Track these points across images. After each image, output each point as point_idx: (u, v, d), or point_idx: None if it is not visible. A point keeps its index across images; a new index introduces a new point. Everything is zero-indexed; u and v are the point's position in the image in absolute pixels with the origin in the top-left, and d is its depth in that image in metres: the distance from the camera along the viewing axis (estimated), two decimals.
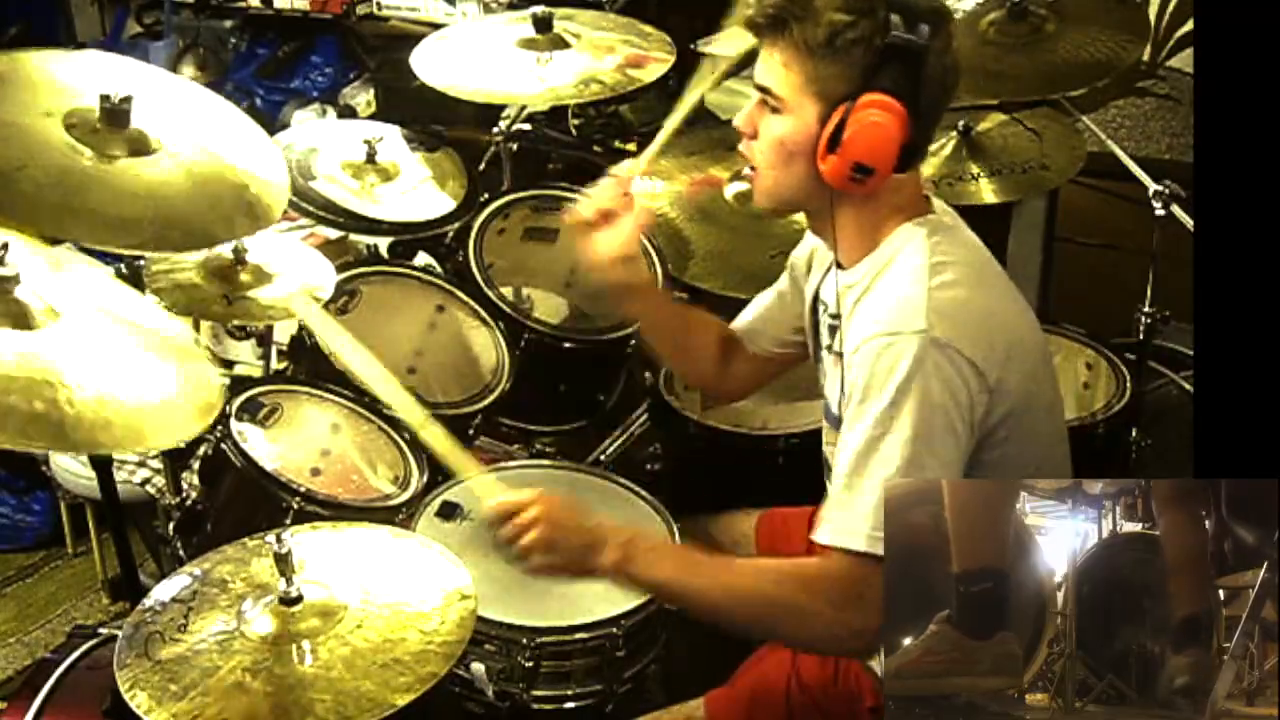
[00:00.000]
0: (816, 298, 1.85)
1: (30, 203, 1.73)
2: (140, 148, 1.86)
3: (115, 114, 1.84)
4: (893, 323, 1.58)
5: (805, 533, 2.06)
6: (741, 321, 2.07)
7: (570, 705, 1.86)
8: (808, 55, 1.60)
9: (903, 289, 1.61)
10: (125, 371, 1.66)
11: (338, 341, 1.83)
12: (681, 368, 2.23)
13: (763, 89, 1.66)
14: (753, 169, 1.72)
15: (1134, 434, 2.57)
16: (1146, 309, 2.54)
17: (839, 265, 1.74)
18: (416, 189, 2.70)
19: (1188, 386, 2.90)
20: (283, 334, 2.48)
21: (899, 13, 1.57)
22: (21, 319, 1.63)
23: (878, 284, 1.66)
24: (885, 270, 1.66)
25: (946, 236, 1.67)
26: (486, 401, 2.35)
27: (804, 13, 1.59)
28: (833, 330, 1.75)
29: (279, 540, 1.56)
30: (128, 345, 1.74)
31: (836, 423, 1.76)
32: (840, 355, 1.71)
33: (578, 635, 1.83)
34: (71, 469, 2.88)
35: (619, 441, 2.53)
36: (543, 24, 2.67)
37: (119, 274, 2.06)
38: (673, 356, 2.16)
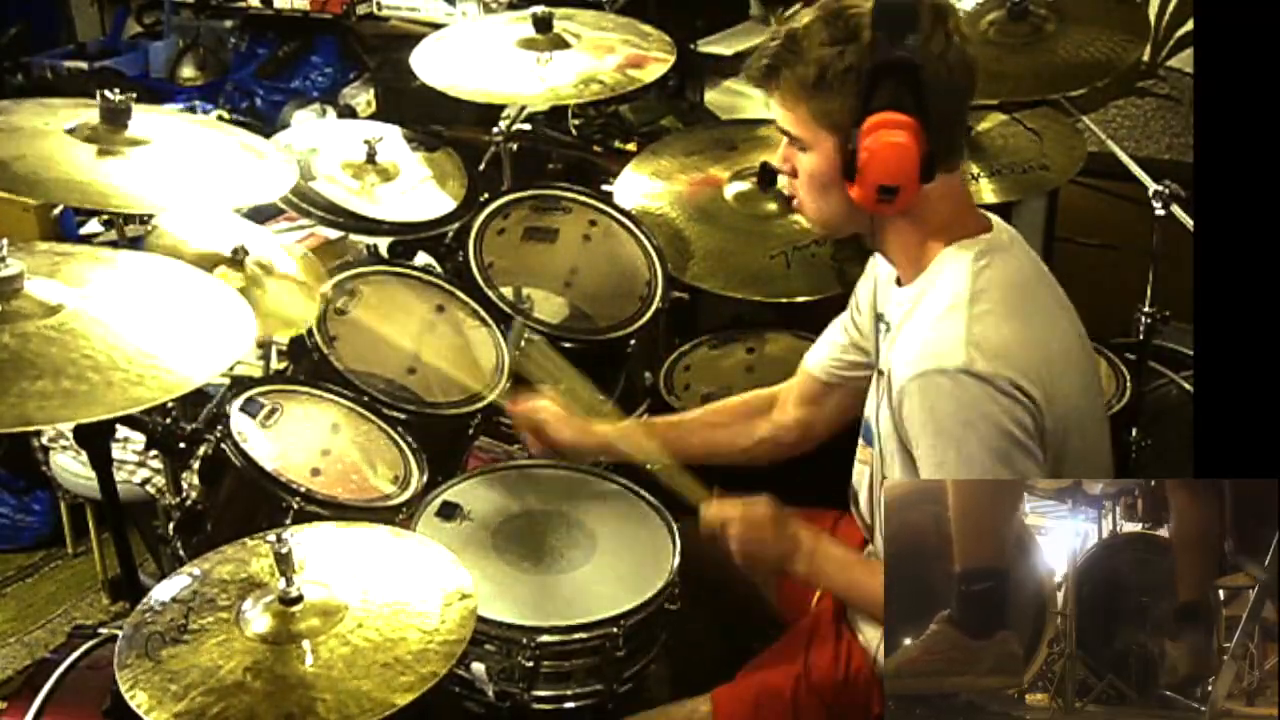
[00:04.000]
0: (879, 314, 1.85)
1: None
2: None
3: (115, 114, 1.85)
4: (934, 359, 1.59)
5: None
6: (812, 352, 2.07)
7: (570, 705, 1.86)
8: (807, 94, 1.64)
9: (942, 322, 1.62)
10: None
11: None
12: (733, 458, 2.13)
13: (784, 132, 1.70)
14: (799, 201, 1.75)
15: (1134, 434, 2.58)
16: (1146, 309, 2.54)
17: (898, 282, 1.76)
18: (416, 189, 2.70)
19: (1188, 386, 2.89)
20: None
21: (887, 27, 1.58)
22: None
23: (920, 309, 1.67)
24: (928, 295, 1.67)
25: (996, 259, 1.67)
26: (486, 401, 2.35)
27: (794, 56, 1.64)
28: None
29: (279, 540, 1.55)
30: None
31: (869, 436, 1.80)
32: (883, 373, 1.73)
33: (578, 635, 1.83)
34: (71, 469, 2.88)
35: None
36: (543, 24, 2.67)
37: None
38: (710, 458, 2.10)
